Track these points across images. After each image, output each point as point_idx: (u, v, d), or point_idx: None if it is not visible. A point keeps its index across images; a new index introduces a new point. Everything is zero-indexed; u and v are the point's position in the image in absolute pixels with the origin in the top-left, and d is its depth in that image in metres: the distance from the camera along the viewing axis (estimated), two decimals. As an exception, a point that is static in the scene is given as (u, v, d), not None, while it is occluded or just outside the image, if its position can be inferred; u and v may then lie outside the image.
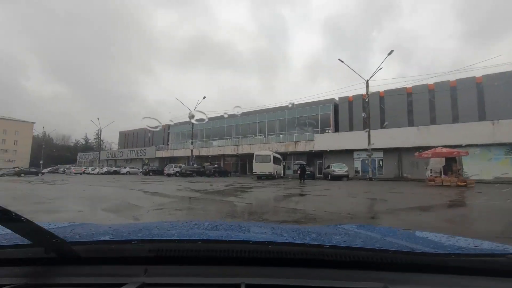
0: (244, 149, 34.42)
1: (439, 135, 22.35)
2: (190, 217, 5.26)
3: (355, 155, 28.04)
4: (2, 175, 35.50)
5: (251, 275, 0.64)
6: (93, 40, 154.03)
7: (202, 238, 0.72)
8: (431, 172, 17.03)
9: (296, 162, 23.91)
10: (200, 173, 28.76)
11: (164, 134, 47.25)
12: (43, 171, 40.81)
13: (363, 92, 29.06)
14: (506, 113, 20.66)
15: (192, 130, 31.77)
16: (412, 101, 28.35)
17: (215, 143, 40.31)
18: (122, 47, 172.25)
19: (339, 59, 21.92)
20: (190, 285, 0.63)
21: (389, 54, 20.82)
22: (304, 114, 33.87)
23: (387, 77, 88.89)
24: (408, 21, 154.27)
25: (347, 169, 22.13)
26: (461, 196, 9.59)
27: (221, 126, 40.26)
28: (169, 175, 29.51)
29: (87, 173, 40.22)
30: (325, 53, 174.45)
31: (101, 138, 56.83)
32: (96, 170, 41.14)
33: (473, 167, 18.72)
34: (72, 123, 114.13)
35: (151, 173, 34.99)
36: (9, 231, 0.60)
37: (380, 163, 26.73)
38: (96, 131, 54.32)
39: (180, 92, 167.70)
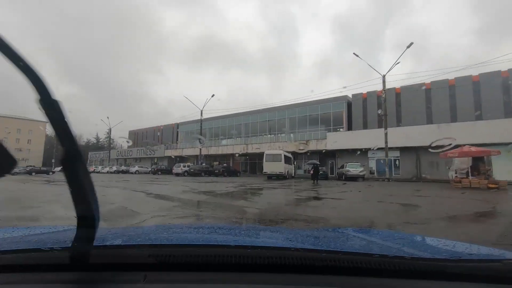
0: (253, 148, 33.58)
1: (462, 133, 20.88)
2: (193, 227, 4.44)
3: (369, 154, 26.79)
4: (14, 173, 35.92)
5: (253, 282, 0.63)
6: (105, 41, 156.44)
7: (203, 243, 0.66)
8: (456, 173, 15.73)
9: (309, 161, 22.93)
10: (209, 172, 28.20)
11: (173, 133, 47.00)
12: (54, 170, 41.16)
13: (376, 88, 27.92)
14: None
15: (201, 129, 31.11)
16: (431, 97, 26.88)
17: (224, 142, 39.65)
18: (132, 47, 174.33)
19: (353, 53, 20.81)
20: None
21: (408, 46, 19.58)
22: (316, 112, 32.78)
23: (400, 74, 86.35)
24: (421, 17, 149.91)
25: (362, 169, 21.01)
26: (506, 200, 8.45)
27: (230, 124, 39.57)
28: (177, 174, 29.06)
29: (97, 172, 40.24)
30: (335, 51, 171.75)
31: (112, 138, 57.16)
32: (106, 169, 41.18)
33: (501, 168, 17.25)
34: (83, 122, 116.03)
35: (159, 172, 34.64)
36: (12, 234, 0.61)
37: (397, 162, 25.40)
38: (107, 130, 54.61)
39: (189, 91, 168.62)
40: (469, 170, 14.85)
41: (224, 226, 1.48)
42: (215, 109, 64.78)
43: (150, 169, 38.73)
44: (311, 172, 18.55)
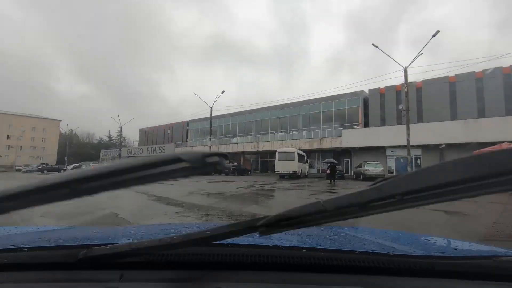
0: (264, 146, 32.49)
1: (492, 130, 19.15)
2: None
3: (388, 152, 25.25)
4: (27, 171, 36.37)
5: (229, 280, 0.62)
6: (118, 42, 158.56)
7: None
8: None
9: (326, 160, 21.64)
10: (219, 171, 27.31)
11: (183, 130, 46.50)
12: (66, 167, 41.42)
13: (394, 83, 26.23)
14: None
15: (211, 126, 30.32)
16: (456, 91, 25.04)
17: (234, 139, 38.73)
18: (145, 48, 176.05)
19: (373, 44, 19.20)
20: None
21: (434, 35, 17.89)
22: (330, 109, 31.35)
23: (419, 67, 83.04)
24: (435, 11, 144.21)
25: (382, 168, 19.57)
26: None
27: (241, 122, 38.60)
28: (186, 173, 28.35)
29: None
30: (348, 47, 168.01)
31: (123, 136, 57.31)
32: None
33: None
34: (96, 121, 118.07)
35: (169, 171, 34.08)
36: None
37: (418, 161, 23.74)
38: (118, 129, 54.81)
39: (200, 90, 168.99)
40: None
41: (211, 224, 1.35)
42: (225, 106, 64.04)
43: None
44: (328, 171, 17.34)
